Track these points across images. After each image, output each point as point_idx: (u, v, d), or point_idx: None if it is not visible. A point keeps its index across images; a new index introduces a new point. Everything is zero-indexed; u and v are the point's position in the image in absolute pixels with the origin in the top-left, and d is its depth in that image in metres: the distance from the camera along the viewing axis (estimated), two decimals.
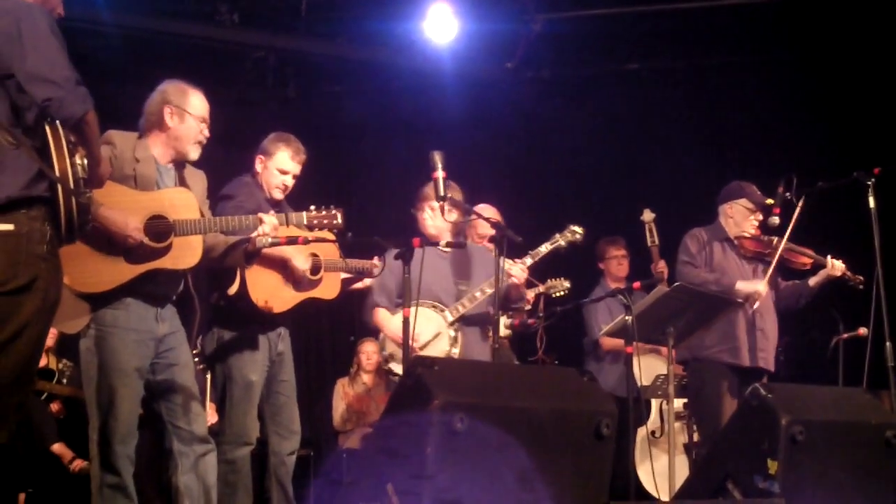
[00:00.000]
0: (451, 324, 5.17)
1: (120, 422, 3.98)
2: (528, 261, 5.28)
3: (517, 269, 5.18)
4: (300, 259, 4.69)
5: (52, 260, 3.19)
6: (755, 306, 5.46)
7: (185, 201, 4.16)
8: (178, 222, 4.06)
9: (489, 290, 5.10)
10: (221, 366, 4.72)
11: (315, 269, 4.78)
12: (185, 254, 4.10)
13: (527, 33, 7.87)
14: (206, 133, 4.28)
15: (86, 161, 3.16)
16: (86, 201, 3.17)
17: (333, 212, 4.49)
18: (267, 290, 4.65)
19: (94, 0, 6.98)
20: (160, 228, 4.02)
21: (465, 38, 7.80)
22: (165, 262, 4.05)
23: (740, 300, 5.39)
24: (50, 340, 7.05)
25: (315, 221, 4.47)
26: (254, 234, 4.27)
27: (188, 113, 4.21)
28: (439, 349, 5.16)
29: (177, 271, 4.15)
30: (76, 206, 3.14)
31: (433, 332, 5.16)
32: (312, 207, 4.48)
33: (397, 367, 5.10)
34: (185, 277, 4.26)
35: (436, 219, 5.20)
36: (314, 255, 4.77)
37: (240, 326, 4.72)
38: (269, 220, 4.28)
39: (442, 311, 5.20)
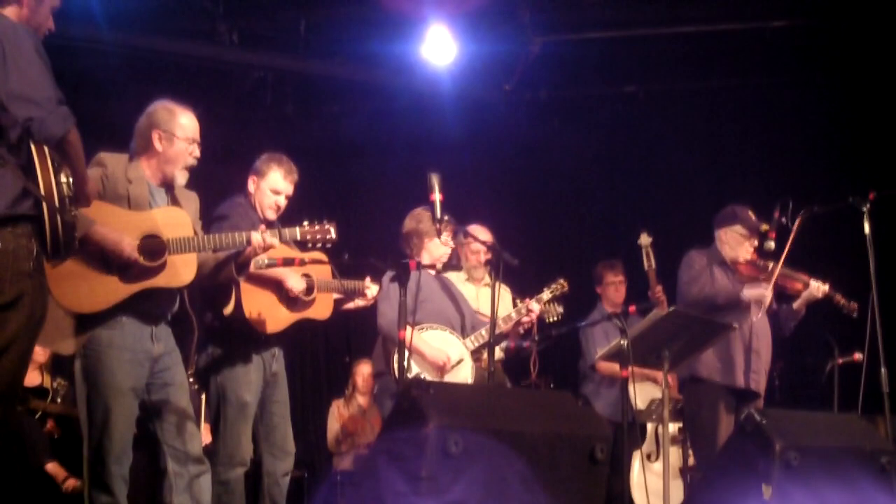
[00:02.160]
0: (473, 352, 5.24)
1: (114, 441, 3.96)
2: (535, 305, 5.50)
3: (538, 307, 5.44)
4: (294, 279, 4.69)
5: (38, 277, 3.19)
6: (760, 314, 5.49)
7: (178, 220, 4.15)
8: (171, 241, 4.04)
9: (503, 326, 5.29)
10: (216, 386, 4.71)
11: (308, 290, 4.78)
12: (180, 271, 4.08)
13: (525, 55, 7.90)
14: (197, 154, 4.23)
15: (71, 179, 3.17)
16: (71, 219, 3.18)
17: (327, 226, 4.45)
18: (261, 309, 4.65)
19: (95, 19, 6.99)
20: (154, 247, 4.01)
21: (464, 60, 7.83)
22: (160, 281, 4.04)
23: (749, 303, 5.48)
24: (43, 358, 7.05)
25: (308, 236, 4.44)
26: (248, 249, 4.23)
27: (176, 137, 4.17)
28: (462, 376, 5.21)
29: (172, 289, 4.13)
30: (62, 224, 3.13)
31: (457, 356, 5.23)
32: (305, 222, 4.46)
33: None
34: (182, 296, 4.24)
35: (439, 248, 5.31)
36: (307, 275, 4.78)
37: (234, 346, 4.71)
38: (268, 237, 4.23)
39: (459, 337, 5.29)
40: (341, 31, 7.96)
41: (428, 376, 5.08)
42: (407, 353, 5.15)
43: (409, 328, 5.08)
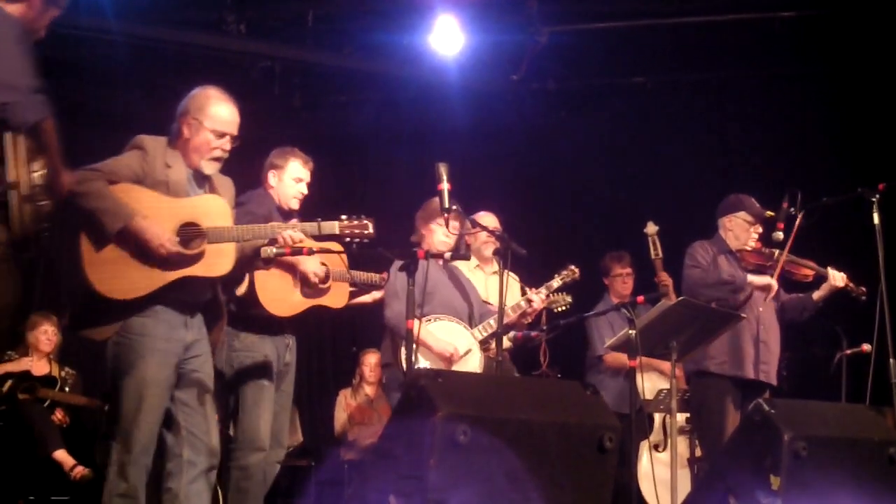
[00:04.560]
0: (482, 342, 5.25)
1: (143, 431, 3.92)
2: (544, 292, 5.54)
3: (538, 298, 5.45)
4: (314, 264, 4.71)
5: (6, 263, 3.19)
6: (768, 298, 5.52)
7: (217, 208, 4.11)
8: (210, 230, 4.02)
9: (511, 315, 5.32)
10: (234, 371, 4.71)
11: (325, 277, 4.81)
12: (218, 261, 4.05)
13: (532, 45, 7.88)
14: (226, 147, 4.16)
15: (45, 170, 3.17)
16: (39, 209, 3.16)
17: (364, 221, 4.39)
18: (276, 293, 4.66)
19: (102, 9, 7.00)
20: (192, 235, 3.99)
21: (471, 50, 7.82)
22: (197, 270, 4.00)
23: (757, 291, 5.49)
24: (49, 348, 7.08)
25: (347, 230, 4.37)
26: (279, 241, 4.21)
27: (203, 126, 4.10)
28: (471, 367, 5.21)
29: (209, 279, 4.10)
30: (30, 213, 3.13)
31: (465, 347, 5.23)
32: (344, 217, 4.38)
33: None
34: (215, 285, 4.22)
35: (439, 239, 5.31)
36: (323, 263, 4.80)
37: (252, 332, 4.73)
38: (297, 235, 4.19)
39: (467, 327, 5.29)
40: (349, 21, 7.96)
41: (434, 366, 5.08)
42: (414, 347, 5.17)
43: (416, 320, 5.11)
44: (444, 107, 8.28)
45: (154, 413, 3.96)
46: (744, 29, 7.75)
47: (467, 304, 5.43)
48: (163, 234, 3.90)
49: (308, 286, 4.75)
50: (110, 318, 3.93)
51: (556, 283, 5.67)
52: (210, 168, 4.16)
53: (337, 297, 4.92)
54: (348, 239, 4.40)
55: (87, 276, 3.86)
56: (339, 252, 4.73)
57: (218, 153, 4.15)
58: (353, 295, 5.11)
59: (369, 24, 7.81)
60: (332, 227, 4.38)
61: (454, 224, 5.20)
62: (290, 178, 4.92)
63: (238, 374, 4.71)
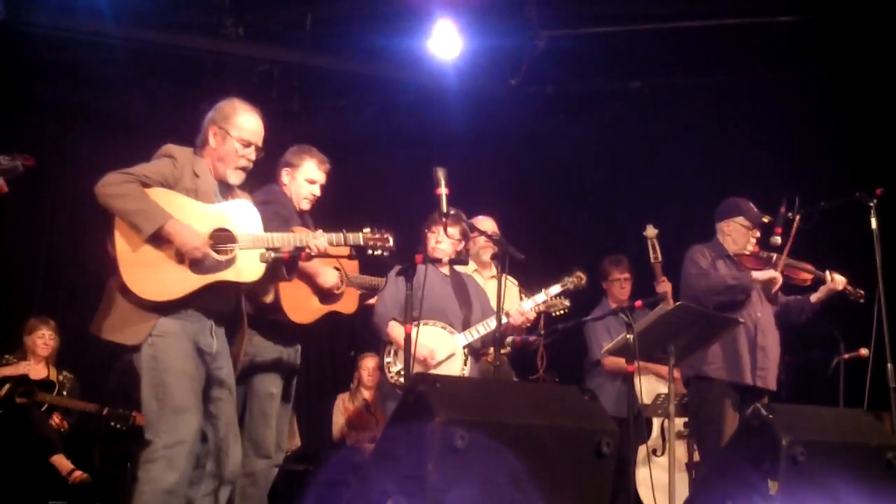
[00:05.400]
0: (465, 347, 5.23)
1: (191, 423, 3.91)
2: (538, 299, 5.51)
3: (516, 314, 5.37)
4: (329, 273, 4.75)
5: None
6: (775, 289, 5.56)
7: (249, 215, 4.15)
8: (242, 235, 4.06)
9: (504, 321, 5.22)
10: (244, 377, 4.70)
11: (340, 283, 4.87)
12: (249, 267, 4.08)
13: (531, 50, 7.89)
14: (252, 157, 4.20)
15: None
16: None
17: (386, 235, 4.47)
18: (297, 300, 4.69)
19: (101, 13, 7.01)
20: (224, 240, 4.02)
21: (470, 55, 7.83)
22: (229, 275, 4.04)
23: (764, 285, 5.52)
24: (47, 352, 7.07)
25: (370, 242, 4.44)
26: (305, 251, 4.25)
27: (230, 135, 4.14)
28: (452, 369, 5.20)
29: (238, 284, 4.12)
30: None
31: (447, 352, 5.23)
32: (367, 229, 4.45)
33: None
34: (240, 294, 4.24)
35: (443, 242, 5.32)
36: (337, 268, 4.82)
37: (266, 337, 4.74)
38: (321, 243, 4.27)
39: (452, 332, 5.26)
40: (347, 25, 7.96)
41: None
42: (395, 349, 5.19)
43: (399, 325, 5.11)
44: (443, 111, 8.29)
45: (199, 407, 3.97)
46: (742, 33, 7.75)
47: (465, 310, 5.42)
48: (197, 238, 3.93)
49: (325, 293, 4.77)
50: (142, 320, 3.92)
51: (555, 288, 5.63)
52: (235, 178, 4.19)
53: (348, 302, 4.99)
54: (370, 251, 4.46)
55: (122, 276, 3.87)
56: (349, 257, 4.73)
57: (243, 163, 4.19)
58: (363, 297, 5.14)
59: (368, 27, 7.82)
60: (357, 238, 4.43)
61: (449, 230, 5.22)
62: (304, 179, 4.96)
63: (247, 379, 4.71)
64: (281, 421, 4.91)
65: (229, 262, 4.03)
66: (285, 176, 4.96)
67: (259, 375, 4.71)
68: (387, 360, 5.30)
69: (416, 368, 5.07)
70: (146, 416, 3.97)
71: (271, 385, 4.73)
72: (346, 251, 4.64)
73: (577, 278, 5.66)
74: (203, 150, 4.18)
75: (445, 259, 5.28)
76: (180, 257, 3.94)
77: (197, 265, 3.96)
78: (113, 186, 3.86)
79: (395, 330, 5.20)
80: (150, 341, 3.92)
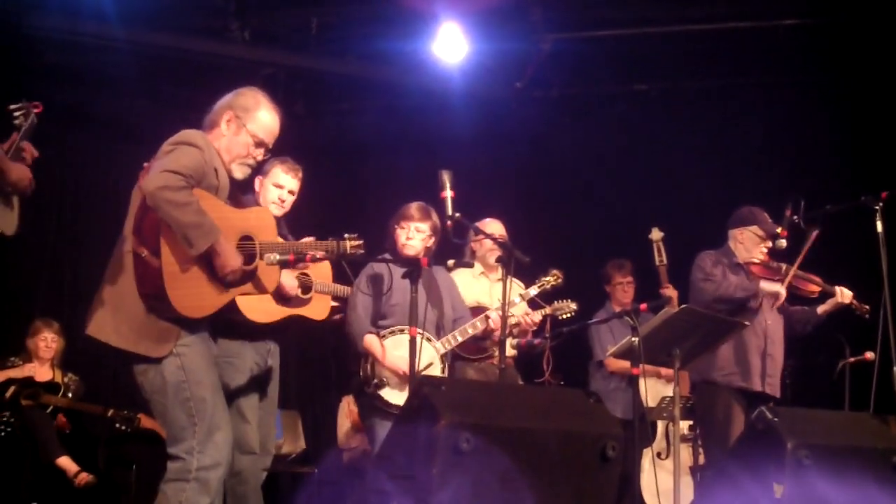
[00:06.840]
0: (444, 355, 5.15)
1: (226, 431, 3.81)
2: (518, 304, 5.44)
3: (496, 318, 5.17)
4: (287, 277, 4.66)
5: None
6: (777, 303, 5.54)
7: (268, 223, 4.03)
8: (264, 246, 3.91)
9: (480, 327, 5.20)
10: None
11: (306, 289, 4.80)
12: (267, 280, 3.97)
13: (536, 53, 7.90)
14: (259, 157, 3.98)
15: None
16: None
17: (359, 241, 4.35)
18: (252, 300, 4.53)
19: (106, 16, 7.01)
20: (248, 251, 3.87)
21: (475, 58, 7.83)
22: (249, 288, 3.92)
23: (767, 296, 5.52)
24: (50, 354, 7.07)
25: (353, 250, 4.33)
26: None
27: (245, 127, 3.90)
28: None
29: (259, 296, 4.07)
30: None
31: (426, 360, 5.05)
32: (347, 235, 4.35)
33: (389, 395, 4.98)
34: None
35: (414, 238, 5.16)
36: (304, 274, 4.79)
37: (231, 338, 4.65)
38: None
39: (429, 339, 5.13)
40: (352, 28, 7.97)
41: (390, 382, 5.00)
42: (371, 362, 5.05)
43: (375, 337, 5.03)
44: (448, 114, 8.28)
45: (230, 422, 3.88)
46: (747, 36, 7.75)
47: (437, 313, 5.24)
48: (237, 260, 3.76)
49: (284, 297, 4.71)
50: (165, 331, 3.71)
51: (533, 290, 5.60)
52: (240, 172, 3.96)
53: (318, 308, 4.90)
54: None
55: (166, 289, 3.63)
56: (327, 261, 4.70)
57: (251, 160, 3.98)
58: (336, 310, 5.10)
59: (373, 31, 7.82)
60: (345, 246, 4.31)
61: (419, 224, 5.12)
62: (271, 184, 4.87)
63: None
64: (265, 422, 4.83)
65: (252, 275, 3.88)
66: (257, 183, 4.89)
67: (229, 374, 4.59)
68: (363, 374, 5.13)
69: (395, 381, 5.04)
70: (173, 431, 3.74)
71: (243, 383, 4.64)
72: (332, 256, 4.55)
73: (554, 277, 5.62)
74: (210, 132, 3.91)
75: (451, 262, 5.25)
76: (216, 272, 3.75)
77: (230, 282, 3.80)
78: (172, 192, 3.56)
79: (372, 344, 5.04)
80: (176, 352, 3.72)
